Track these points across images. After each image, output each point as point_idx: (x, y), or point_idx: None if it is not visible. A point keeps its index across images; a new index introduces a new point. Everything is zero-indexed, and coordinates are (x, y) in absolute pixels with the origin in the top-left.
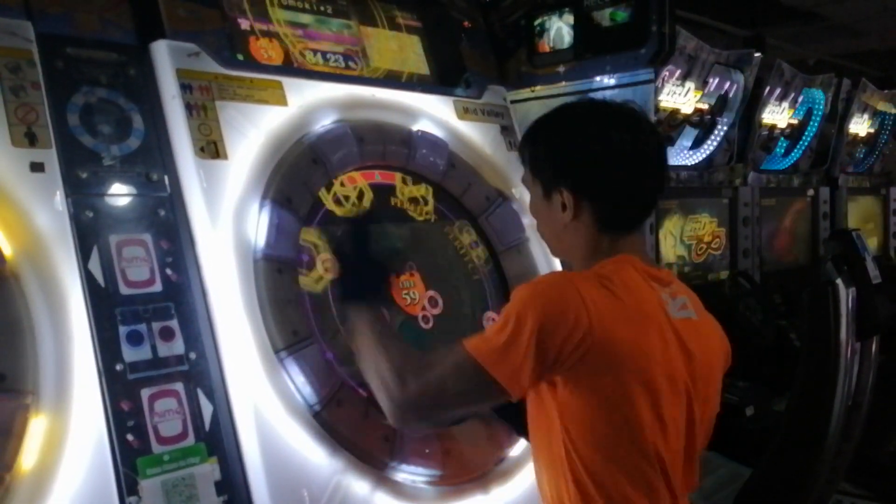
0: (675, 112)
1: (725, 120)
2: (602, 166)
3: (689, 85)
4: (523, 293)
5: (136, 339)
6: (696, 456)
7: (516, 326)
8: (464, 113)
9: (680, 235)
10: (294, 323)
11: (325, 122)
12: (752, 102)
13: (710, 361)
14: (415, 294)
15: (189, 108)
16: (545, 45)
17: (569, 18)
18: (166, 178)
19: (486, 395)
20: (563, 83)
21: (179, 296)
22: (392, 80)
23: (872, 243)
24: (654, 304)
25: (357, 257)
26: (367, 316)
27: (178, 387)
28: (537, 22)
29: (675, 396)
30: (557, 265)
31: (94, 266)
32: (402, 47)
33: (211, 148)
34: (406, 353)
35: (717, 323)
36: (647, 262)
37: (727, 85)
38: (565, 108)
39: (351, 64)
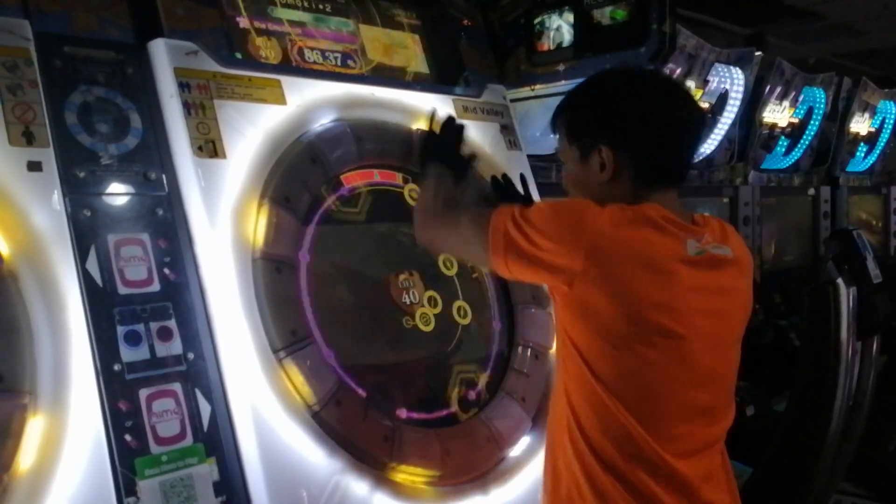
0: None
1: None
2: (641, 122)
3: (690, 84)
4: (553, 205)
5: (134, 339)
6: (722, 395)
7: (539, 213)
8: (463, 112)
9: None
10: (293, 323)
11: (323, 121)
12: (753, 101)
13: (740, 307)
14: (415, 294)
15: (187, 106)
16: (545, 43)
17: (569, 17)
18: (164, 177)
19: (476, 248)
20: (563, 82)
21: (178, 295)
22: (391, 78)
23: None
24: (667, 244)
25: (444, 138)
26: (439, 170)
27: (177, 387)
28: (537, 20)
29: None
30: None
31: (92, 266)
32: (401, 46)
33: (209, 147)
34: (457, 196)
35: (751, 266)
36: (675, 213)
37: (728, 84)
38: (602, 73)
39: (350, 62)
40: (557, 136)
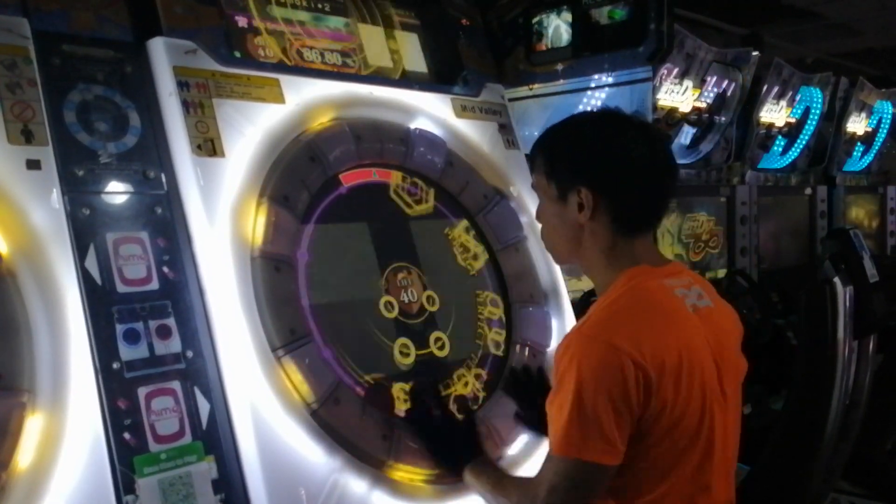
0: (673, 110)
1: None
2: (621, 165)
3: (687, 83)
4: (572, 376)
5: (132, 337)
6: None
7: (579, 405)
8: (461, 111)
9: (678, 234)
10: (291, 321)
11: (322, 120)
12: (750, 101)
13: (731, 346)
14: (413, 293)
15: (186, 105)
16: (543, 43)
17: (567, 16)
18: (163, 175)
19: (596, 479)
20: (562, 81)
21: (176, 294)
22: (390, 77)
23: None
24: (679, 308)
25: (442, 430)
26: (476, 471)
27: (176, 385)
28: (535, 20)
29: (712, 397)
30: (556, 267)
31: (91, 264)
32: (399, 45)
33: (208, 146)
34: (518, 484)
35: (730, 307)
36: (659, 263)
37: (725, 83)
38: (580, 115)
39: (348, 62)
40: (534, 172)
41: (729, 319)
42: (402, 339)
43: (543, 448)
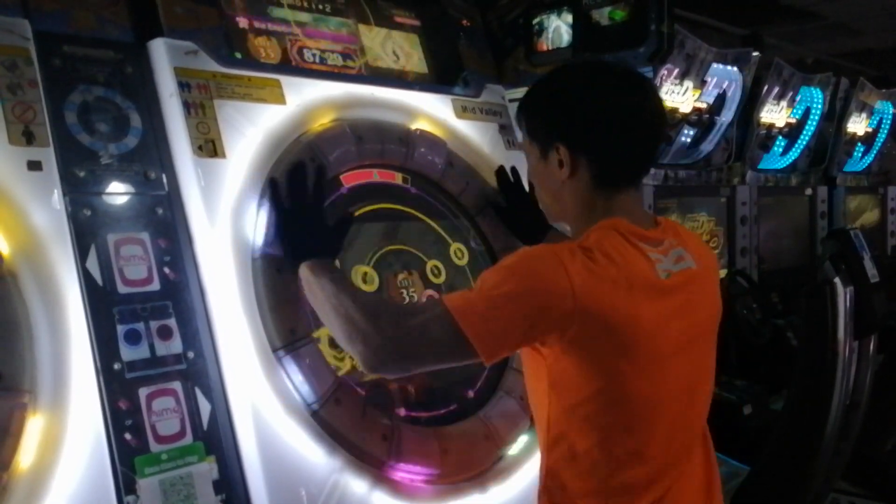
0: (673, 111)
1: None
2: (597, 120)
3: (688, 84)
4: (509, 263)
5: (133, 337)
6: (701, 413)
7: (500, 297)
8: (462, 112)
9: None
10: (292, 322)
11: (323, 121)
12: (751, 101)
13: (710, 312)
14: (413, 293)
15: (187, 106)
16: (543, 43)
17: (567, 17)
18: (164, 176)
19: (460, 355)
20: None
21: (177, 294)
22: (390, 78)
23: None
24: (640, 269)
25: (308, 206)
26: (325, 266)
27: (176, 385)
28: (536, 20)
29: (667, 360)
30: None
31: (92, 265)
32: (400, 46)
33: (209, 146)
34: (378, 299)
35: (706, 249)
36: (638, 222)
37: (725, 84)
38: (561, 67)
39: (349, 62)
40: (521, 131)
41: (704, 280)
42: None
43: None
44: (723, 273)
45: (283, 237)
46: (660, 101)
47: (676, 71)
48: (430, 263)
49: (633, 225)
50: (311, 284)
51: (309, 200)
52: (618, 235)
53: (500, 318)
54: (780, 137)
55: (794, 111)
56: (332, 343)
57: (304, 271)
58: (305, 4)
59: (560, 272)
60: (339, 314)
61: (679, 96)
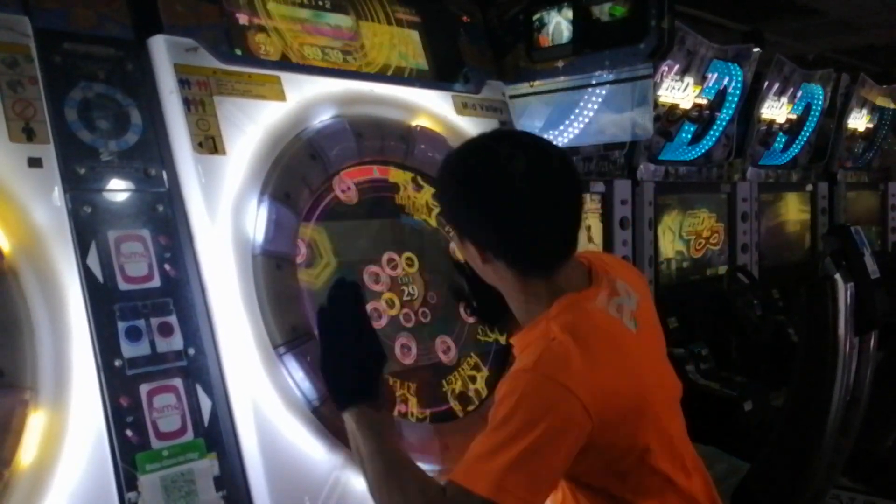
0: (673, 107)
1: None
2: (498, 219)
3: (688, 80)
4: (512, 404)
5: (134, 334)
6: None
7: (523, 448)
8: (462, 108)
9: (679, 231)
10: (293, 319)
11: (323, 118)
12: (751, 97)
13: (659, 338)
14: (414, 290)
15: (187, 103)
16: (544, 39)
17: (567, 13)
18: (164, 173)
19: None
20: (562, 78)
21: (178, 291)
22: (390, 75)
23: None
24: (621, 330)
25: (346, 341)
26: (363, 419)
27: (177, 382)
28: (536, 17)
29: (664, 400)
30: None
31: (93, 262)
32: (400, 42)
33: (209, 143)
34: (415, 475)
35: (630, 267)
36: (582, 287)
37: (726, 80)
38: (461, 154)
39: (349, 59)
40: None
41: (649, 310)
42: (404, 337)
43: None
44: (723, 269)
45: (326, 383)
46: (569, 173)
47: (677, 67)
48: (432, 260)
49: (580, 294)
50: (353, 435)
51: (346, 339)
52: (587, 306)
53: (540, 472)
54: (781, 134)
55: (795, 107)
56: None
57: (348, 421)
58: (306, 1)
59: (570, 401)
60: (376, 480)
61: (679, 92)
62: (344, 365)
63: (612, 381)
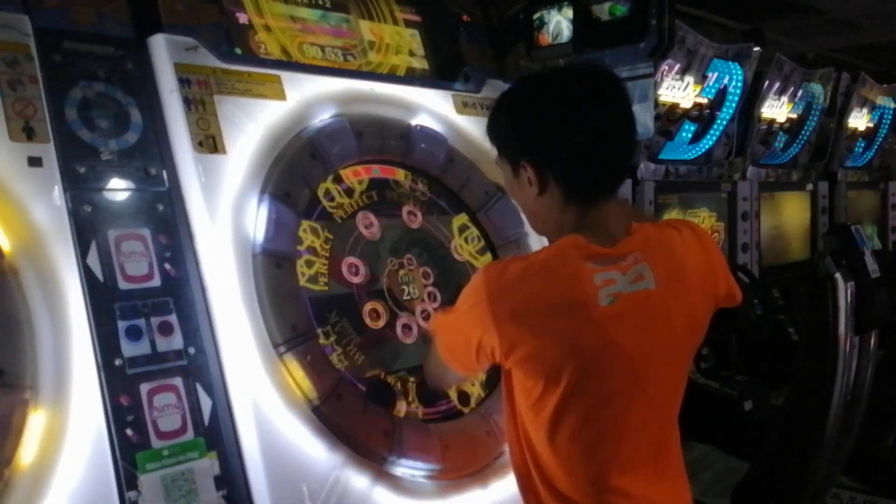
0: (674, 106)
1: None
2: (558, 137)
3: (689, 79)
4: (473, 291)
5: (134, 333)
6: (669, 440)
7: (458, 334)
8: (463, 107)
9: None
10: (293, 318)
11: (323, 117)
12: (752, 96)
13: (673, 331)
14: (414, 289)
15: (187, 102)
16: (544, 39)
17: (568, 12)
18: (164, 172)
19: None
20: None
21: (178, 290)
22: (391, 74)
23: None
24: (581, 294)
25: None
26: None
27: (178, 381)
28: (536, 16)
29: (631, 381)
30: None
31: (93, 261)
32: (400, 41)
33: (209, 142)
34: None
35: (694, 278)
36: (606, 235)
37: (726, 79)
38: (524, 80)
39: (349, 58)
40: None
41: (658, 302)
42: (403, 335)
43: None
44: None
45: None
46: (627, 105)
47: (677, 66)
48: (432, 259)
49: (593, 243)
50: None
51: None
52: (571, 256)
53: (463, 350)
54: (782, 133)
55: (796, 106)
56: None
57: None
58: (306, 0)
59: (485, 324)
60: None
61: (680, 92)
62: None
63: (541, 314)
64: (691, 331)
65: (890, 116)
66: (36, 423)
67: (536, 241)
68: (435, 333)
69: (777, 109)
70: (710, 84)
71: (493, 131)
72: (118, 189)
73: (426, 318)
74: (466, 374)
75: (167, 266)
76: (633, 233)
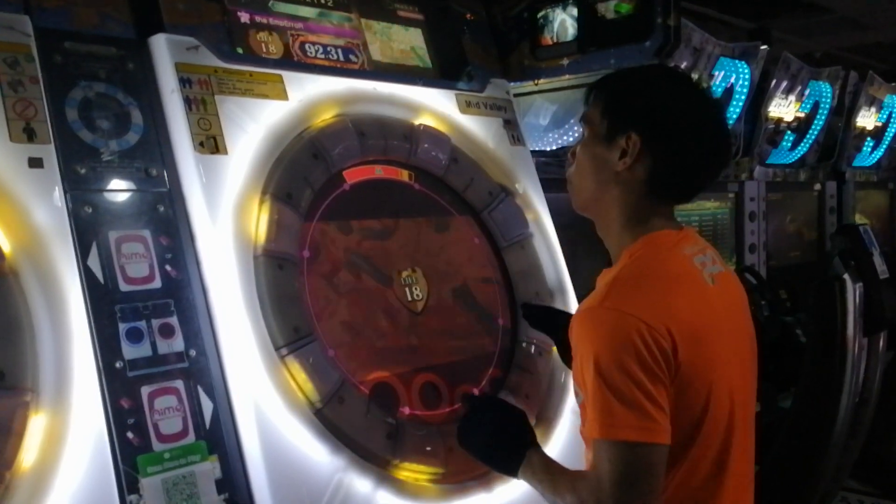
0: None
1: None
2: (678, 121)
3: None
4: (588, 351)
5: (135, 336)
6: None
7: (603, 382)
8: (466, 107)
9: None
10: (295, 320)
11: (325, 117)
12: (759, 95)
13: (744, 309)
14: (418, 291)
15: (188, 102)
16: (548, 37)
17: (572, 11)
18: (165, 173)
19: (651, 460)
20: (567, 76)
21: (179, 292)
22: (393, 73)
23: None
24: (696, 278)
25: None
26: (526, 472)
27: (179, 384)
28: (540, 14)
29: (734, 366)
30: (561, 260)
31: (94, 262)
32: (403, 40)
33: (210, 143)
34: (574, 483)
35: (733, 273)
36: (676, 229)
37: (732, 78)
38: (650, 65)
39: (352, 57)
40: (589, 105)
41: (735, 283)
42: (407, 338)
43: (553, 439)
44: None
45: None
46: (728, 127)
47: (683, 65)
48: (433, 261)
49: (674, 231)
50: (531, 483)
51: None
52: (665, 248)
53: (629, 394)
54: (789, 132)
55: (803, 105)
56: None
57: (521, 477)
58: None
59: (638, 326)
60: None
61: None
62: (492, 442)
63: (672, 303)
64: (749, 321)
65: None
66: (37, 426)
67: (542, 243)
68: (604, 433)
69: (784, 108)
70: (717, 83)
71: (611, 90)
72: (119, 190)
73: (429, 318)
74: (664, 431)
75: (168, 267)
76: (688, 228)
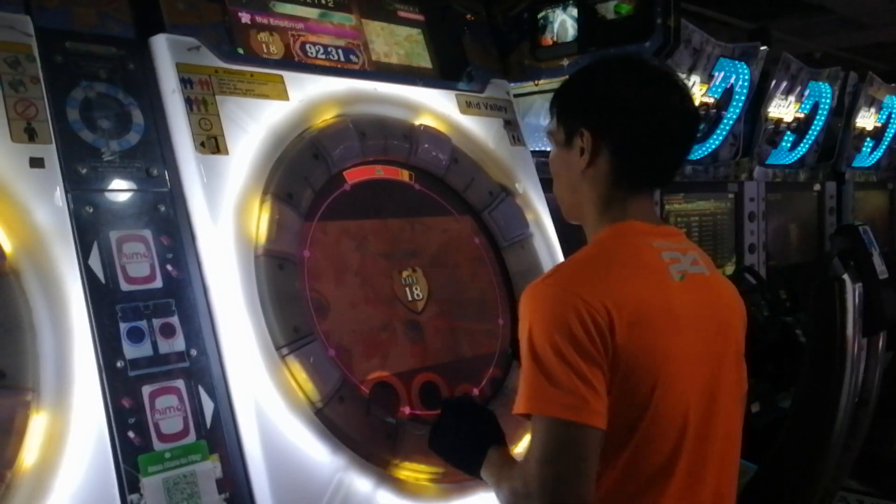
0: None
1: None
2: (625, 109)
3: (695, 78)
4: (525, 325)
5: (136, 335)
6: (732, 426)
7: (534, 357)
8: (466, 107)
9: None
10: (296, 319)
11: (326, 117)
12: (758, 96)
13: (728, 318)
14: (418, 291)
15: (189, 102)
16: (548, 38)
17: (572, 11)
18: (166, 173)
19: (581, 441)
20: (567, 77)
21: (180, 292)
22: (394, 73)
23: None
24: (656, 269)
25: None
26: (487, 467)
27: (179, 384)
28: (541, 15)
29: (696, 370)
30: (561, 260)
31: (95, 262)
32: (404, 41)
33: (211, 143)
34: (513, 469)
35: (729, 282)
36: (653, 222)
37: (733, 78)
38: (600, 60)
39: (352, 58)
40: (551, 119)
41: (728, 292)
42: (407, 337)
43: None
44: (730, 270)
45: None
46: (694, 107)
47: (683, 66)
48: (434, 261)
49: (648, 223)
50: (488, 482)
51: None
52: (633, 237)
53: (562, 373)
54: (789, 132)
55: (803, 106)
56: None
57: (483, 474)
58: None
59: (580, 304)
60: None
61: None
62: (457, 441)
63: (618, 286)
64: (742, 322)
65: None
66: (37, 426)
67: (542, 243)
68: (529, 408)
69: (784, 109)
70: (717, 83)
71: (561, 95)
72: (120, 190)
73: (429, 318)
74: (595, 414)
75: (169, 267)
76: (669, 227)
